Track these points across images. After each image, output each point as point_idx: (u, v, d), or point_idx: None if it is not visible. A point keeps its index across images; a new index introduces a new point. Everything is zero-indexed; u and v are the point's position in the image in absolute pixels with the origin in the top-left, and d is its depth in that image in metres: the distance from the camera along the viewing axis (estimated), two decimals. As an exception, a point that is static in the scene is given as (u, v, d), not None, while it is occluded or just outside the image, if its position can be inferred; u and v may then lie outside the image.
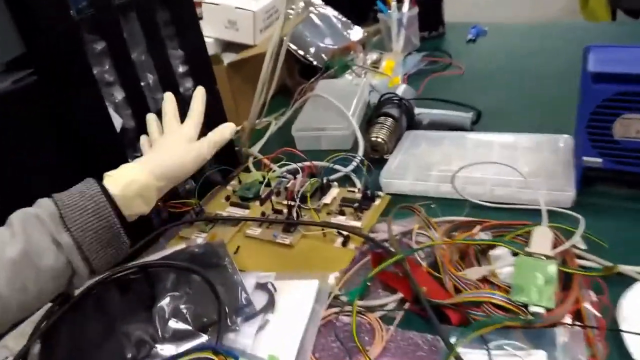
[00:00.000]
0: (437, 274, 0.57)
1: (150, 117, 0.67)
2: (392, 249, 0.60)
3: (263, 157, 0.87)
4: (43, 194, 0.55)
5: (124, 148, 0.68)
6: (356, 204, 0.69)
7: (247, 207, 0.74)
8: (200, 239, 0.70)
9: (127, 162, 0.66)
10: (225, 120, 0.86)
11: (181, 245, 0.66)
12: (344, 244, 0.64)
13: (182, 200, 0.74)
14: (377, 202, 0.70)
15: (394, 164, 0.76)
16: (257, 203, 0.75)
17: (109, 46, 0.64)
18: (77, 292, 0.60)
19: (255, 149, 0.92)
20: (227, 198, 0.77)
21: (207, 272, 0.60)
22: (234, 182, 0.81)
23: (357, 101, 0.94)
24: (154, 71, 0.71)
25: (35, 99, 0.57)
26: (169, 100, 0.66)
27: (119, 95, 0.67)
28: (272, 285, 0.60)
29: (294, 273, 0.61)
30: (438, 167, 0.74)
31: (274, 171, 0.82)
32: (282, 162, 0.84)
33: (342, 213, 0.69)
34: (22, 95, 0.56)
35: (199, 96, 0.67)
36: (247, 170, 0.86)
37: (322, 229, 0.66)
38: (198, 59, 0.79)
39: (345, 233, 0.65)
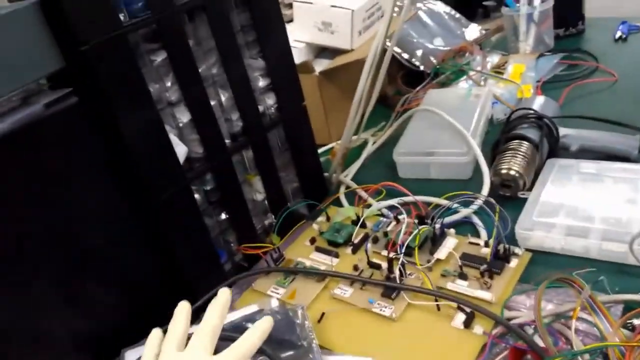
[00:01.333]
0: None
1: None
2: (543, 344, 0.42)
3: (358, 187, 0.71)
4: (93, 245, 0.48)
5: (189, 182, 0.55)
6: (484, 265, 0.50)
7: (336, 256, 0.59)
8: (276, 294, 0.55)
9: (193, 198, 0.54)
10: (312, 145, 0.72)
11: (253, 307, 0.52)
12: (467, 324, 0.46)
13: (258, 244, 0.60)
14: (513, 263, 0.51)
15: (535, 207, 0.56)
16: (349, 250, 0.59)
17: (170, 57, 0.52)
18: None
19: (349, 175, 0.76)
20: (312, 240, 0.62)
21: (282, 354, 0.45)
22: (321, 219, 0.66)
23: (478, 118, 0.75)
24: (227, 87, 0.58)
25: (75, 125, 0.46)
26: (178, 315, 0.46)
27: (183, 117, 0.54)
28: (366, 380, 0.44)
29: (396, 363, 0.45)
30: (602, 215, 0.53)
31: (370, 206, 0.66)
32: (382, 196, 0.68)
33: (463, 276, 0.51)
34: (59, 121, 0.44)
35: (219, 304, 0.46)
36: (338, 203, 0.70)
37: (436, 300, 0.49)
38: (283, 70, 0.65)
39: (468, 309, 0.47)
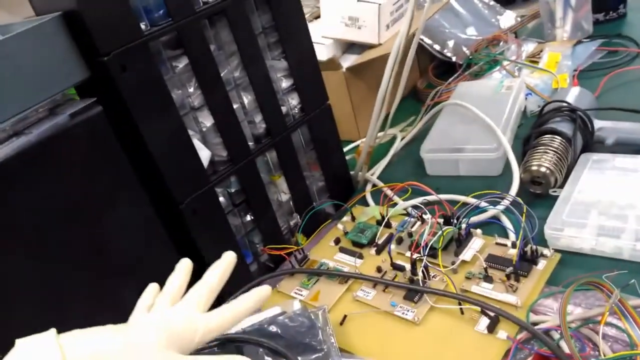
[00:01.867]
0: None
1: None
2: (568, 351, 0.40)
3: (384, 185, 0.70)
4: (123, 251, 0.49)
5: (213, 185, 0.56)
6: (510, 268, 0.49)
7: (360, 257, 0.58)
8: (300, 296, 0.56)
9: (218, 201, 0.55)
10: (337, 144, 0.72)
11: (275, 309, 0.53)
12: (491, 328, 0.45)
13: (282, 246, 0.60)
14: (541, 265, 0.50)
15: (566, 206, 0.54)
16: (373, 251, 0.59)
17: (192, 63, 0.52)
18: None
19: (375, 173, 0.75)
20: (337, 241, 0.62)
21: (302, 358, 0.46)
22: (346, 219, 0.66)
23: (510, 111, 0.72)
24: (250, 89, 0.59)
25: (100, 134, 0.47)
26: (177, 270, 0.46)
27: (206, 122, 0.55)
28: (387, 385, 0.43)
29: (417, 368, 0.44)
30: (637, 214, 0.51)
31: (395, 204, 0.65)
32: (408, 195, 0.67)
33: (488, 279, 0.50)
34: (84, 130, 0.46)
35: (221, 265, 0.46)
36: (364, 202, 0.70)
37: (459, 304, 0.48)
38: (306, 70, 0.65)
39: (492, 313, 0.46)
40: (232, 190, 0.59)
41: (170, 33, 0.50)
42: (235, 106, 0.57)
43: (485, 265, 0.50)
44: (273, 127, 0.61)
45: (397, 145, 0.81)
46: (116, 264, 0.50)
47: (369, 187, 0.72)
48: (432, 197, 0.62)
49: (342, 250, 0.60)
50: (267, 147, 0.61)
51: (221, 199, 0.58)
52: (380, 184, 0.71)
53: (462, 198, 0.62)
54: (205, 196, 0.55)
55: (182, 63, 0.52)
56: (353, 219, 0.65)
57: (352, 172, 0.75)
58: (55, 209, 0.45)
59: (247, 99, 0.59)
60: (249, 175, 0.60)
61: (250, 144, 0.60)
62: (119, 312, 0.51)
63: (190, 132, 0.54)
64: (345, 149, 0.85)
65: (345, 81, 0.86)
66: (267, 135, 0.61)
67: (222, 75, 0.55)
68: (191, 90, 0.53)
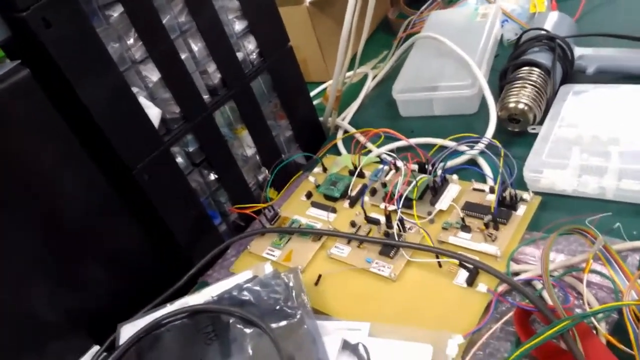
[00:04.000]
0: (626, 349, 0.35)
1: None
2: (551, 303, 0.39)
3: (356, 131, 0.66)
4: (75, 221, 0.46)
5: (168, 146, 0.51)
6: (488, 216, 0.46)
7: (333, 211, 0.55)
8: (272, 257, 0.53)
9: (174, 162, 0.51)
10: (303, 89, 0.67)
11: (247, 273, 0.50)
12: (470, 281, 0.43)
13: (250, 205, 0.56)
14: (521, 210, 0.47)
15: (546, 145, 0.51)
16: (347, 203, 0.56)
17: (128, 11, 0.46)
18: (121, 341, 0.47)
19: (346, 118, 0.71)
20: (308, 195, 0.59)
21: (275, 325, 0.43)
22: (317, 170, 0.62)
23: (485, 42, 0.68)
24: (198, 36, 0.53)
25: (31, 99, 0.42)
26: None
27: (152, 76, 0.50)
28: (365, 348, 0.42)
29: (395, 327, 0.42)
30: (620, 150, 0.48)
31: (369, 152, 0.61)
32: (381, 140, 0.63)
33: (466, 228, 0.47)
34: (9, 98, 0.40)
35: None
36: (336, 150, 0.66)
37: (437, 257, 0.45)
38: (261, 8, 0.58)
39: (471, 266, 0.44)
40: (190, 150, 0.54)
41: (99, -23, 0.44)
42: (183, 56, 0.51)
43: (462, 215, 0.47)
44: (229, 76, 0.56)
45: (369, 85, 0.77)
46: (71, 237, 0.47)
47: (340, 134, 0.68)
48: (404, 143, 0.58)
49: (314, 204, 0.57)
50: (224, 99, 0.56)
51: (179, 159, 0.53)
52: (352, 129, 0.67)
53: (437, 141, 0.59)
54: (160, 158, 0.51)
55: (117, 12, 0.46)
56: (324, 169, 0.61)
57: (321, 119, 0.70)
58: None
59: (197, 46, 0.53)
60: (207, 132, 0.55)
61: (205, 97, 0.54)
62: (80, 289, 0.49)
63: (135, 89, 0.48)
64: (313, 92, 0.81)
65: (309, 16, 0.80)
66: (223, 86, 0.56)
67: (164, 22, 0.49)
68: (130, 42, 0.47)
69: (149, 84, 0.49)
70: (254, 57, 0.59)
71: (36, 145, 0.43)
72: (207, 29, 0.53)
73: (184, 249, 0.55)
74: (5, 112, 0.40)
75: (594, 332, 0.37)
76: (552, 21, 0.63)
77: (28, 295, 0.45)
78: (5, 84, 0.40)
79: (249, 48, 0.58)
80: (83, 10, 0.43)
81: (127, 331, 0.48)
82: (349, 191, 0.56)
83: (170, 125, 0.52)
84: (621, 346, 0.36)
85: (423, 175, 0.51)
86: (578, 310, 0.40)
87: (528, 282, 0.43)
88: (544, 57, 0.58)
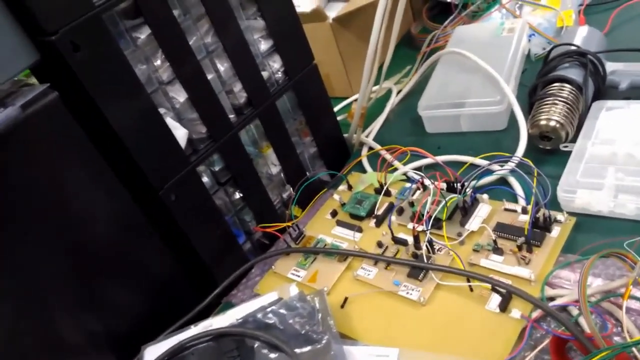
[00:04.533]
0: (673, 382, 0.33)
1: None
2: (588, 331, 0.37)
3: (381, 148, 0.65)
4: (102, 244, 0.46)
5: (194, 166, 0.51)
6: (521, 239, 0.45)
7: (359, 230, 0.54)
8: (297, 277, 0.52)
9: (201, 182, 0.51)
10: (327, 107, 0.66)
11: (272, 295, 0.49)
12: (503, 307, 0.42)
13: (274, 224, 0.56)
14: (555, 232, 0.46)
15: (580, 164, 0.49)
16: (373, 223, 0.55)
17: (155, 32, 0.46)
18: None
19: (371, 134, 0.70)
20: (334, 213, 0.58)
21: (300, 350, 0.43)
22: (342, 187, 0.62)
23: (512, 57, 0.66)
24: (224, 56, 0.53)
25: (59, 122, 0.42)
26: None
27: (179, 97, 0.50)
28: (394, 375, 0.40)
29: (425, 354, 0.41)
30: (656, 168, 0.46)
31: (395, 170, 0.60)
32: (407, 158, 0.62)
33: (498, 250, 0.46)
34: (39, 121, 0.41)
35: None
36: (361, 167, 0.65)
37: (468, 280, 0.44)
38: (286, 27, 0.58)
39: (504, 290, 0.42)
40: (216, 169, 0.54)
41: (126, 0, 0.44)
42: (209, 76, 0.52)
43: (494, 237, 0.46)
44: (255, 95, 0.56)
45: (393, 100, 0.76)
46: (96, 259, 0.47)
47: (364, 151, 0.67)
48: (431, 161, 0.57)
49: (340, 223, 0.56)
50: (250, 118, 0.56)
51: (205, 179, 0.53)
52: (377, 146, 0.66)
53: (466, 159, 0.58)
54: (186, 179, 0.51)
55: (144, 34, 0.46)
56: (350, 187, 0.61)
57: (345, 135, 0.70)
58: (23, 207, 0.41)
59: (223, 67, 0.53)
60: (233, 151, 0.55)
61: (231, 116, 0.54)
62: (105, 310, 0.49)
63: (162, 110, 0.48)
64: (337, 108, 0.80)
65: (332, 33, 0.80)
66: (249, 105, 0.56)
67: (191, 43, 0.49)
68: (158, 63, 0.48)
69: (176, 105, 0.50)
70: (279, 75, 0.59)
71: (64, 167, 0.43)
72: (233, 49, 0.53)
73: (208, 268, 0.54)
74: (34, 135, 0.41)
75: (636, 361, 0.36)
76: (581, 36, 0.62)
77: (52, 318, 0.45)
78: (35, 107, 0.40)
79: (274, 67, 0.58)
80: (111, 33, 0.43)
81: (151, 353, 0.48)
82: (375, 210, 0.55)
83: (197, 145, 0.52)
84: (666, 378, 0.34)
85: (453, 195, 0.49)
86: (617, 339, 0.38)
87: (564, 308, 0.41)
88: (575, 73, 0.56)
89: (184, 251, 0.53)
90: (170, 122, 0.49)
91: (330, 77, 0.84)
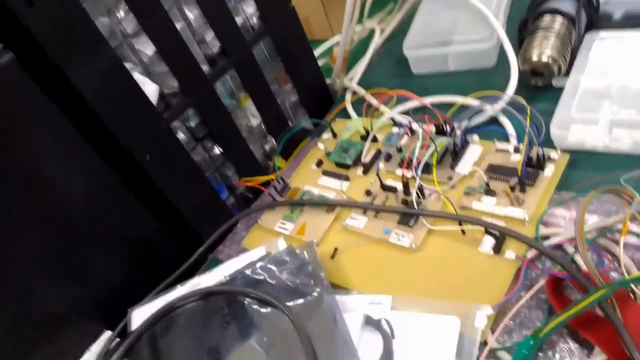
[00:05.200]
0: (671, 315, 0.33)
1: None
2: (585, 268, 0.36)
3: (366, 92, 0.62)
4: (77, 210, 0.43)
5: (168, 122, 0.48)
6: (514, 179, 0.43)
7: (347, 179, 0.53)
8: (285, 230, 0.51)
9: (176, 139, 0.48)
10: (307, 51, 0.63)
11: (260, 250, 0.48)
12: (497, 248, 0.41)
13: (257, 177, 0.54)
14: (549, 171, 0.44)
15: (574, 99, 0.47)
16: (360, 171, 0.53)
17: (114, -21, 0.43)
18: (133, 326, 0.46)
19: (354, 78, 0.67)
20: (319, 163, 0.56)
21: (292, 303, 0.42)
22: (327, 136, 0.59)
23: (500, -11, 0.63)
24: (192, 3, 0.49)
25: (17, 85, 0.39)
26: None
27: (146, 50, 0.46)
28: (388, 324, 0.40)
29: (419, 300, 0.40)
30: (652, 99, 0.44)
31: (381, 115, 0.58)
32: (394, 102, 0.59)
33: (490, 192, 0.44)
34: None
35: None
36: (345, 114, 0.63)
37: (460, 224, 0.43)
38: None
39: (497, 232, 0.41)
40: (192, 124, 0.51)
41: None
42: (178, 26, 0.48)
43: (486, 179, 0.44)
44: (229, 44, 0.52)
45: (376, 41, 0.72)
46: (74, 228, 0.45)
47: (348, 96, 0.64)
48: (421, 103, 0.54)
49: (326, 173, 0.54)
50: (225, 69, 0.53)
51: (180, 135, 0.51)
52: (362, 91, 0.63)
53: (455, 99, 0.55)
54: (161, 136, 0.48)
55: (103, -19, 0.42)
56: (334, 135, 0.58)
57: (328, 81, 0.67)
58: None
59: (192, 14, 0.49)
60: (209, 104, 0.52)
61: (205, 67, 0.51)
62: (88, 278, 0.47)
63: (129, 65, 0.45)
64: (318, 52, 0.77)
65: (309, -27, 0.75)
66: (223, 55, 0.53)
67: (156, -11, 0.45)
68: (121, 14, 0.44)
69: (143, 59, 0.46)
70: (254, 21, 0.55)
71: (27, 134, 0.40)
72: (201, -7, 0.49)
73: (192, 226, 0.53)
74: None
75: (632, 296, 0.35)
76: (573, -39, 0.58)
77: (35, 289, 0.43)
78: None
79: (249, 12, 0.54)
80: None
81: (139, 315, 0.47)
82: (362, 157, 0.53)
83: (169, 100, 0.49)
84: (664, 312, 0.33)
85: (442, 138, 0.47)
86: (614, 274, 0.37)
87: (559, 247, 0.40)
88: (567, 5, 0.53)
89: (165, 211, 0.51)
90: (139, 77, 0.46)
91: (309, 20, 0.80)
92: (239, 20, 0.53)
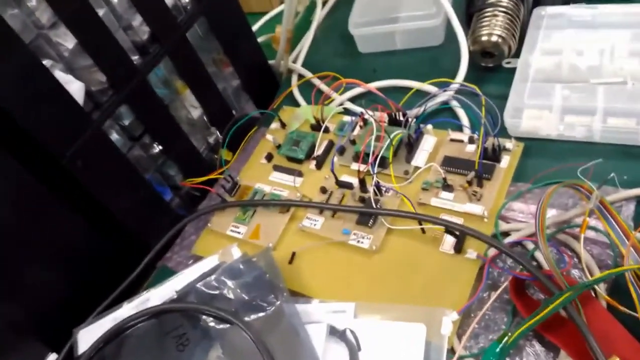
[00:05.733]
0: (627, 311, 0.33)
1: None
2: (547, 267, 0.36)
3: (313, 76, 0.59)
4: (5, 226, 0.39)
5: (99, 124, 0.43)
6: (472, 173, 0.42)
7: (300, 174, 0.50)
8: (237, 234, 0.48)
9: (109, 141, 0.44)
10: (248, 32, 0.58)
11: (212, 259, 0.45)
12: (458, 248, 0.40)
13: (203, 178, 0.50)
14: (504, 162, 0.44)
15: (527, 84, 0.46)
16: (313, 165, 0.50)
17: (19, -36, 0.36)
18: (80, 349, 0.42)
19: (299, 59, 0.63)
20: (269, 157, 0.53)
21: (251, 317, 0.39)
22: (274, 125, 0.56)
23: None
24: (115, -15, 0.43)
25: None
26: None
27: (66, 42, 0.41)
28: (353, 334, 0.39)
29: (383, 306, 0.39)
30: (605, 80, 0.44)
31: (330, 100, 0.55)
32: (342, 89, 0.56)
33: (447, 188, 0.43)
34: None
35: None
36: (292, 99, 0.59)
37: (420, 223, 0.42)
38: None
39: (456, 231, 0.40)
40: (126, 123, 0.46)
41: None
42: (100, 12, 0.42)
43: (443, 174, 0.43)
44: (160, 28, 0.47)
45: (319, 15, 0.68)
46: (2, 245, 0.40)
47: (294, 80, 0.61)
48: (373, 90, 0.52)
49: (277, 168, 0.51)
50: (157, 57, 0.48)
51: (114, 136, 0.46)
52: (308, 74, 0.60)
53: (407, 84, 0.53)
54: (92, 140, 0.43)
55: (6, -34, 0.36)
56: (283, 125, 0.55)
57: (271, 62, 0.62)
58: None
59: (116, -1, 0.43)
60: (143, 99, 0.47)
61: (135, 57, 0.46)
62: (25, 297, 0.43)
63: (48, 63, 0.39)
64: (257, 26, 0.72)
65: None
66: (154, 42, 0.47)
67: (71, -27, 0.39)
68: (33, 4, 0.38)
69: (64, 53, 0.41)
70: (186, 0, 0.50)
71: None
72: (125, -26, 0.43)
73: (135, 233, 0.49)
74: None
75: (593, 294, 0.35)
76: None
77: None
78: None
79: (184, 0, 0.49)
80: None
81: (86, 336, 0.43)
82: (315, 151, 0.50)
83: (98, 98, 0.44)
84: (622, 308, 0.34)
85: (398, 130, 0.45)
86: (575, 272, 0.38)
87: (519, 243, 0.40)
88: (514, -21, 0.52)
89: (104, 219, 0.47)
90: (61, 75, 0.40)
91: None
92: (168, 1, 0.48)
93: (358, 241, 0.43)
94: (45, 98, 0.39)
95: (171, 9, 0.48)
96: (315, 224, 0.45)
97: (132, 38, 0.46)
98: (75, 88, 0.41)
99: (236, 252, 0.44)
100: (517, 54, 0.50)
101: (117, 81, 0.44)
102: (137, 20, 0.46)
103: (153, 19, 0.46)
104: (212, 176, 0.50)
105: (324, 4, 0.70)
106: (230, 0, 0.55)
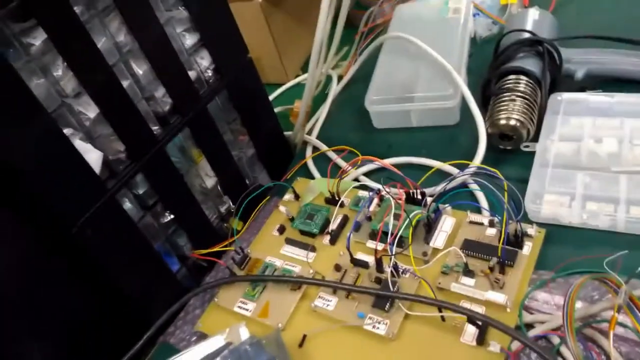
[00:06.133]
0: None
1: None
2: (576, 368, 0.34)
3: (328, 149, 0.59)
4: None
5: (114, 193, 0.43)
6: (494, 259, 0.41)
7: (313, 249, 0.49)
8: (246, 311, 0.46)
9: (122, 210, 0.43)
10: (266, 106, 0.59)
11: (218, 339, 0.43)
12: (480, 340, 0.38)
13: (213, 249, 0.49)
14: (527, 249, 0.42)
15: (547, 170, 0.46)
16: (327, 240, 0.49)
17: (52, 36, 0.37)
18: None
19: (314, 131, 0.64)
20: (281, 229, 0.52)
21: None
22: (288, 197, 0.55)
23: (461, 43, 0.62)
24: (141, 57, 0.44)
25: None
26: None
27: (88, 112, 0.41)
28: None
29: (400, 399, 0.37)
30: (626, 169, 0.44)
31: (346, 174, 0.55)
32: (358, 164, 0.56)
33: (468, 273, 0.42)
34: None
35: None
36: (306, 171, 0.59)
37: (440, 310, 0.40)
38: (214, 16, 0.50)
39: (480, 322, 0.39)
40: (140, 192, 0.46)
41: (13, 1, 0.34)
42: (125, 83, 0.43)
43: (465, 260, 0.42)
44: (181, 100, 0.47)
45: (335, 89, 0.69)
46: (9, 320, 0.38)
47: (309, 152, 0.61)
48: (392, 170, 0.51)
49: (289, 242, 0.50)
50: (177, 128, 0.48)
51: (127, 205, 0.45)
52: (324, 147, 0.60)
53: (426, 163, 0.53)
54: (104, 209, 0.42)
55: (39, 39, 0.36)
56: (297, 197, 0.54)
57: (286, 133, 0.63)
58: None
59: (141, 70, 0.44)
60: (160, 169, 0.47)
61: (155, 128, 0.46)
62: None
63: (69, 131, 0.39)
64: (272, 97, 0.73)
65: (262, 13, 0.71)
66: (175, 113, 0.47)
67: (99, 45, 0.40)
68: (59, 74, 0.38)
69: (85, 122, 0.40)
70: (209, 74, 0.50)
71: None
72: (152, 47, 0.44)
73: (138, 305, 0.47)
74: None
75: (625, 397, 0.33)
76: (532, 19, 0.58)
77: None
78: None
79: (203, 65, 0.49)
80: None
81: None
82: (330, 225, 0.49)
83: (115, 167, 0.43)
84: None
85: (418, 210, 0.44)
86: (604, 371, 0.36)
87: (543, 336, 0.38)
88: (531, 64, 0.53)
89: (107, 289, 0.45)
90: (80, 144, 0.40)
91: (261, 62, 0.76)
92: (192, 74, 0.48)
93: (374, 326, 0.41)
94: (62, 166, 0.39)
95: (194, 82, 0.49)
96: (328, 305, 0.44)
97: (153, 108, 0.46)
98: (94, 157, 0.41)
99: (244, 333, 0.42)
100: (535, 138, 0.50)
101: (135, 151, 0.44)
102: (160, 91, 0.46)
103: (176, 91, 0.47)
104: (221, 248, 0.49)
105: (339, 79, 0.71)
106: (252, 75, 0.56)
